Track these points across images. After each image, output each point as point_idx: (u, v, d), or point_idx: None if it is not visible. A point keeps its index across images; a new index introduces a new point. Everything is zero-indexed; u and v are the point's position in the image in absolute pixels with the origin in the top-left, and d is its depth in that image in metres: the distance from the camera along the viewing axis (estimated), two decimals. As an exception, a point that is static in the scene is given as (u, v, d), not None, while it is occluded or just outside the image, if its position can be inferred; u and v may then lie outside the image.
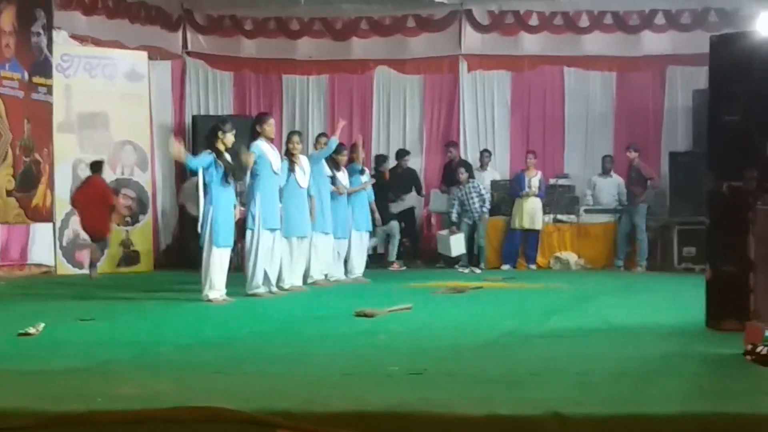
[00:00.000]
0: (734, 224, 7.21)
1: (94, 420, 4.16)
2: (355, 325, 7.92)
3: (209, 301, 9.69)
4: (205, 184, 9.92)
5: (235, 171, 9.94)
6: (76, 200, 13.48)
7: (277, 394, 4.74)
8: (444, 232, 15.36)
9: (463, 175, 15.28)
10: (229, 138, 9.99)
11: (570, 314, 8.97)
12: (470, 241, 15.36)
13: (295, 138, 11.46)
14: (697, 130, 14.65)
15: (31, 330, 7.11)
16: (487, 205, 15.37)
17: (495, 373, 5.55)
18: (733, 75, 7.32)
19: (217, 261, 9.83)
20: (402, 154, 15.93)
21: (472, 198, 15.25)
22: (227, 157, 9.90)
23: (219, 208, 9.82)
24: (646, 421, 4.22)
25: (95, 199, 13.25)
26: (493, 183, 15.84)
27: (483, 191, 15.35)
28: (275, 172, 10.61)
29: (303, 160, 11.37)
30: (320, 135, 12.86)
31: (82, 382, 5.24)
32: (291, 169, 11.09)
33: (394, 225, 15.31)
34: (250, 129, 10.73)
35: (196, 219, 10.42)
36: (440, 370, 5.63)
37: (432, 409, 4.32)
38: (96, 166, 13.53)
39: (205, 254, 9.83)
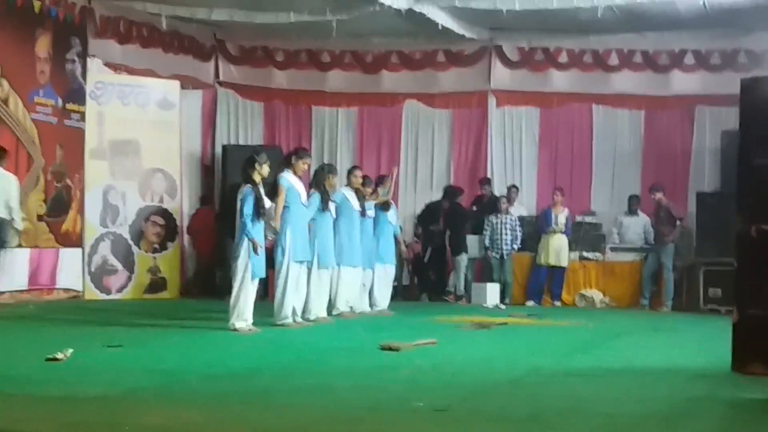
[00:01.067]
0: (762, 267, 7.19)
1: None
2: (381, 358, 7.94)
3: (235, 330, 9.74)
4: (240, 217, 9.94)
5: (264, 208, 9.96)
6: (190, 228, 15.81)
7: (303, 428, 4.77)
8: (479, 284, 15.30)
9: (504, 204, 15.40)
10: (265, 169, 10.06)
11: (595, 353, 8.95)
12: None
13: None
14: (725, 171, 14.60)
15: (60, 355, 7.18)
16: (518, 242, 15.40)
17: (520, 411, 5.56)
18: (764, 118, 7.32)
19: (249, 292, 9.89)
20: (454, 193, 15.82)
21: (505, 230, 15.28)
22: (261, 189, 9.96)
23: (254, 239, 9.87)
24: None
25: (204, 227, 15.61)
26: (520, 219, 15.81)
27: (517, 227, 15.41)
28: (304, 204, 10.69)
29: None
30: (354, 168, 12.80)
31: (109, 410, 5.29)
32: (324, 205, 11.23)
33: (462, 259, 15.37)
34: (282, 158, 10.82)
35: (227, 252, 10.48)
36: (465, 407, 5.65)
37: (457, 447, 4.34)
38: (204, 200, 16.12)
39: (237, 284, 9.89)
